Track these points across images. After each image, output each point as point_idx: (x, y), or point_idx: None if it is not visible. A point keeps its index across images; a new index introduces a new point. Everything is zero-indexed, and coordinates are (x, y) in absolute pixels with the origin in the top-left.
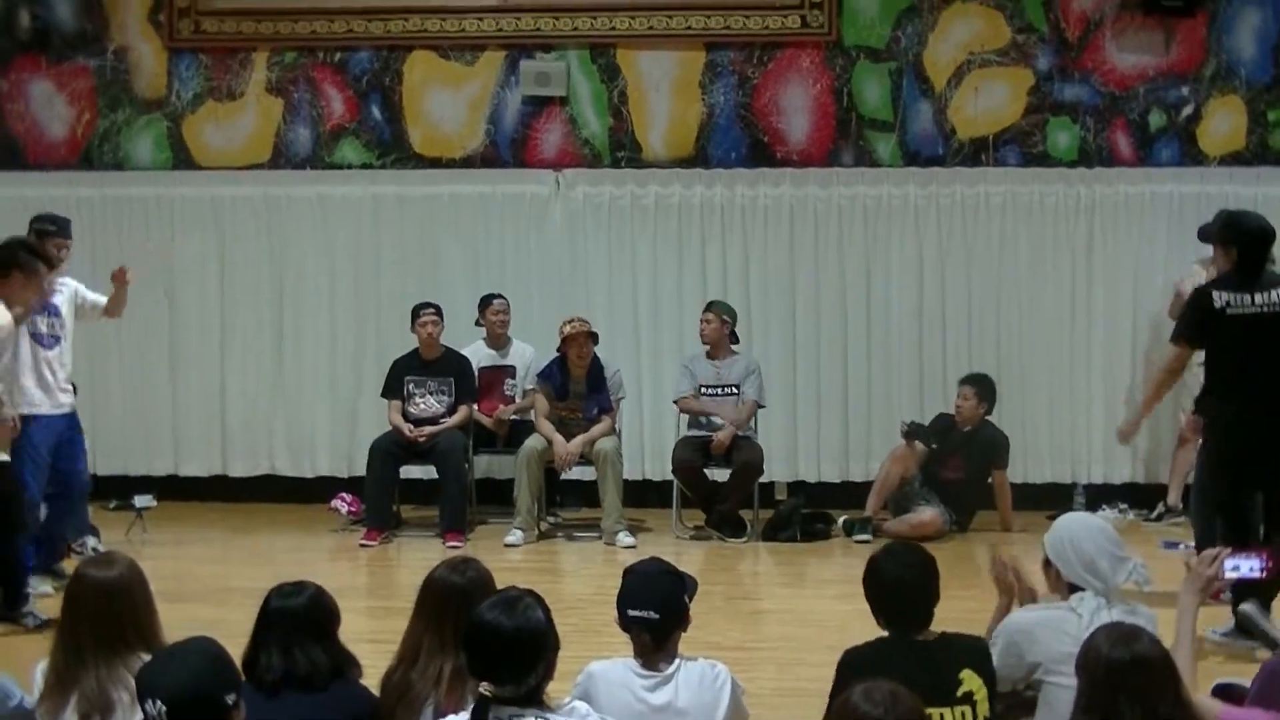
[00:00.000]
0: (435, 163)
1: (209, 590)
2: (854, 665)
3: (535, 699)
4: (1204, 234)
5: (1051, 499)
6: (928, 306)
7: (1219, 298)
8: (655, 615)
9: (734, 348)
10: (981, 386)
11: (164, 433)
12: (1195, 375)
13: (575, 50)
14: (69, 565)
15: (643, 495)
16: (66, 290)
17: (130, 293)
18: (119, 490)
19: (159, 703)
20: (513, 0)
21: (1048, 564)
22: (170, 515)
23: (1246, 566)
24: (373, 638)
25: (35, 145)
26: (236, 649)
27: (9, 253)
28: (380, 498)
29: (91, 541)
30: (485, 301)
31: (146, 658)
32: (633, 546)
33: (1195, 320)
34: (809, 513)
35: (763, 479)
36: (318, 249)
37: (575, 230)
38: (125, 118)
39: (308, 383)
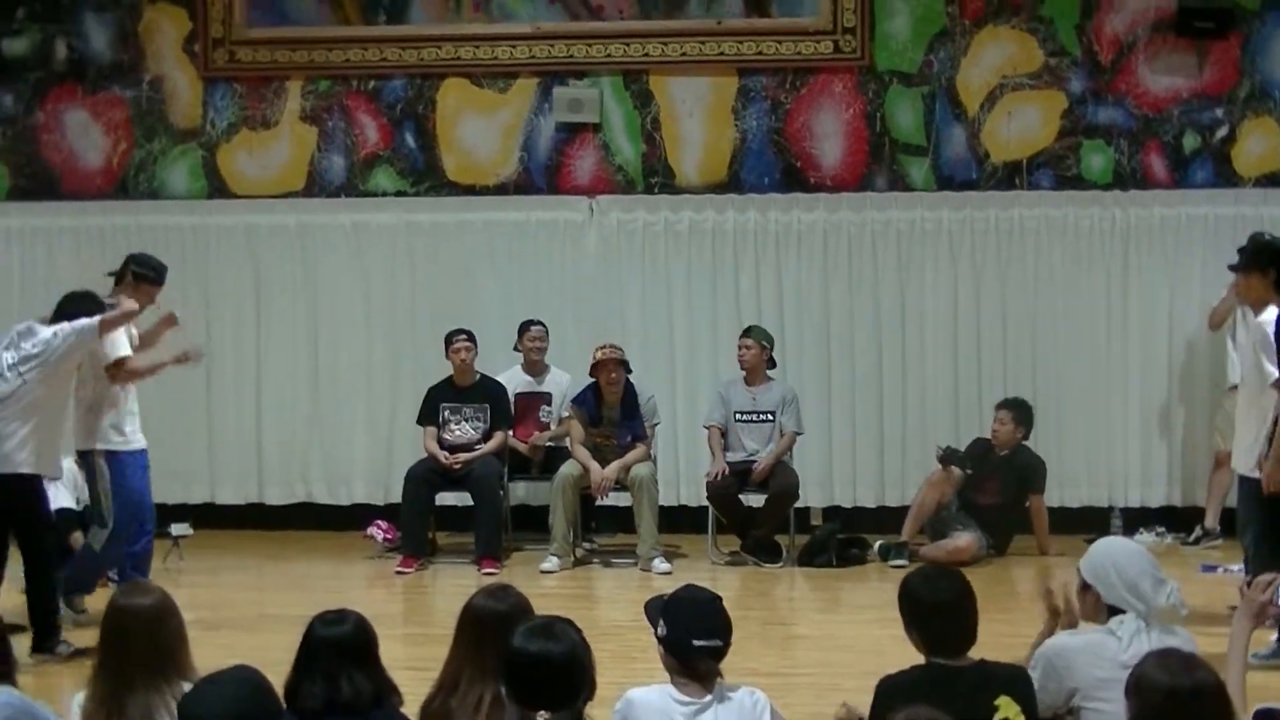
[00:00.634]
0: (469, 190)
1: (246, 618)
2: (890, 693)
3: None
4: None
5: (1088, 523)
6: (963, 331)
7: None
8: (721, 643)
9: (770, 374)
10: (1018, 411)
11: (200, 460)
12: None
13: (608, 77)
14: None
15: (678, 521)
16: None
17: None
18: (155, 518)
19: None
20: (545, 27)
21: (1085, 588)
22: (206, 543)
23: None
24: (410, 665)
25: (71, 175)
26: (276, 677)
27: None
28: (416, 525)
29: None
30: (524, 328)
31: (187, 687)
32: (668, 573)
33: None
34: (844, 538)
35: (798, 504)
36: (352, 277)
37: (609, 257)
38: (160, 147)
39: (343, 410)
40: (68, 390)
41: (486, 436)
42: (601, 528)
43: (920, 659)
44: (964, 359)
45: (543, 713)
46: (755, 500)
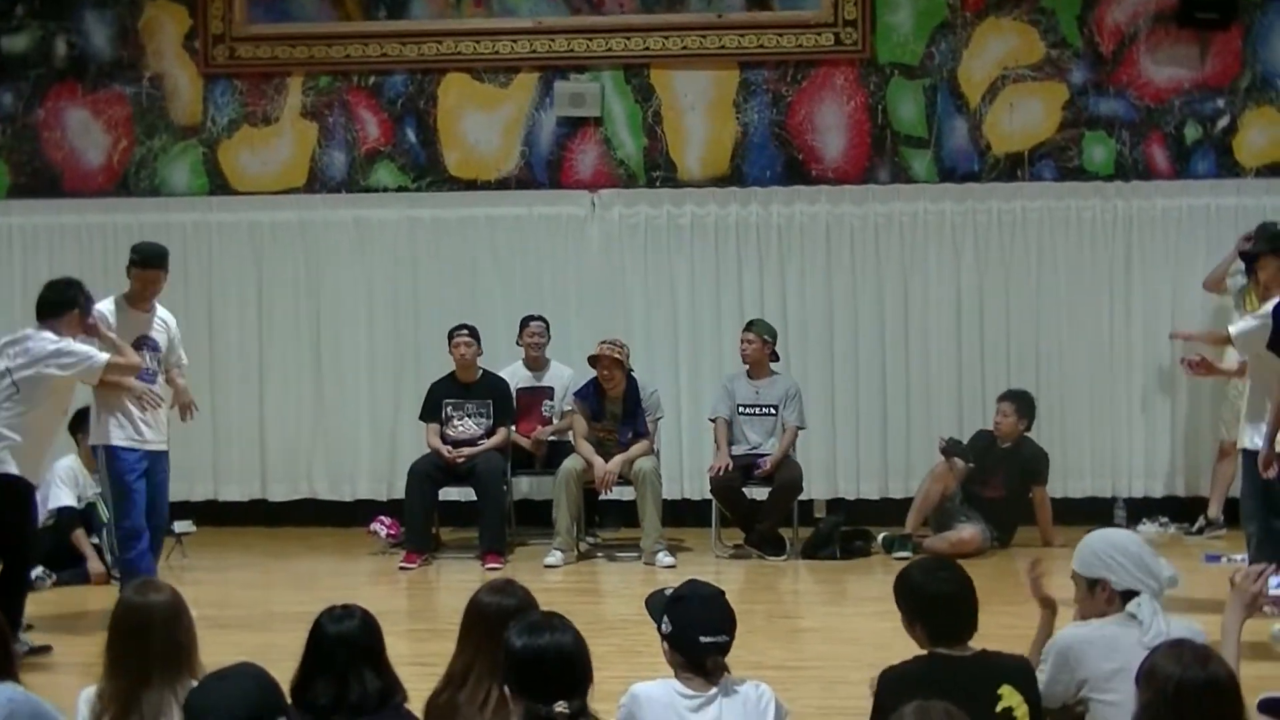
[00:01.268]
0: (471, 185)
1: (252, 615)
2: (893, 683)
3: (587, 713)
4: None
5: (1091, 513)
6: (965, 322)
7: None
8: (727, 639)
9: (774, 367)
10: (1021, 403)
11: (203, 457)
12: (1238, 389)
13: (609, 71)
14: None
15: (682, 514)
16: (170, 327)
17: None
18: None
19: None
20: (546, 22)
21: (1091, 586)
22: (210, 540)
23: None
24: (415, 661)
25: (72, 173)
26: (282, 673)
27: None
28: (419, 520)
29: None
30: (524, 323)
31: (193, 683)
32: (672, 566)
33: None
34: (849, 530)
35: (802, 497)
36: (354, 273)
37: (611, 251)
38: (161, 144)
39: (346, 406)
40: (67, 402)
41: (489, 432)
42: (605, 522)
43: (920, 650)
44: (967, 351)
45: (561, 703)
46: (759, 493)
